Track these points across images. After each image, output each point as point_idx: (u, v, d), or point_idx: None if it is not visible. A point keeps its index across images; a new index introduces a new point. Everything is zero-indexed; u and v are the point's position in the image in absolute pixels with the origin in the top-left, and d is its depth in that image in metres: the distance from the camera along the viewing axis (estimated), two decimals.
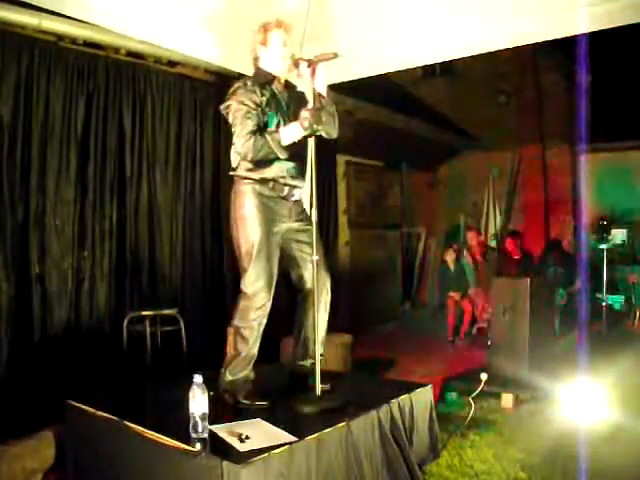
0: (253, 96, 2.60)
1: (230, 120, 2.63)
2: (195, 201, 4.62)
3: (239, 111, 2.57)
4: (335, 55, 2.52)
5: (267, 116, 2.63)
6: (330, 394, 2.65)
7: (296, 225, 2.79)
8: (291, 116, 2.67)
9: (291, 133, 2.55)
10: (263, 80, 2.70)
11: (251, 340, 2.65)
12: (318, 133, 2.58)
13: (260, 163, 2.63)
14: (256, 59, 2.79)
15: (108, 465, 2.40)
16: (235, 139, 2.59)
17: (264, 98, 2.63)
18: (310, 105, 2.58)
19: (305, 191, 2.92)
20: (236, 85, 2.66)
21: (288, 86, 2.82)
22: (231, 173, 2.73)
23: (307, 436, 2.15)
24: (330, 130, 2.77)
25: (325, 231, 5.87)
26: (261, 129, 2.58)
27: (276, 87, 2.73)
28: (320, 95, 2.62)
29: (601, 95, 6.68)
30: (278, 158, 2.62)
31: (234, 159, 2.69)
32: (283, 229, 2.76)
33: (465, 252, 6.78)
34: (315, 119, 2.49)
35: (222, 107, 2.67)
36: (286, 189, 2.72)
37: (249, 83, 2.65)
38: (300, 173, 2.76)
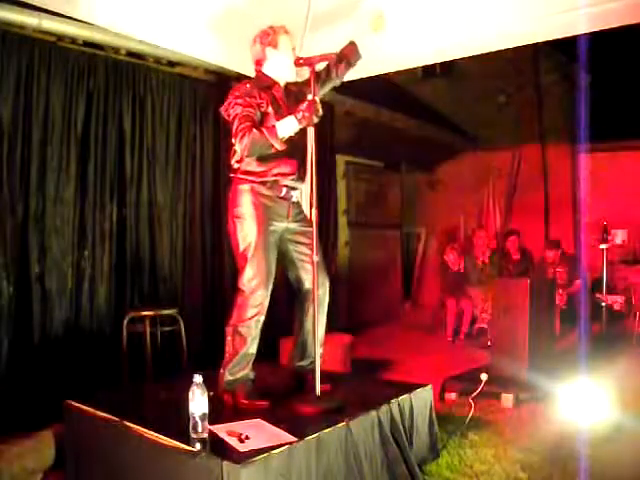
0: (252, 98, 2.61)
1: (229, 120, 2.63)
2: (195, 201, 4.62)
3: (237, 110, 2.58)
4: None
5: (267, 118, 2.64)
6: (330, 394, 2.65)
7: (294, 226, 2.80)
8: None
9: (287, 126, 2.55)
10: (263, 84, 2.71)
11: (249, 339, 2.65)
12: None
13: (262, 163, 2.63)
14: (259, 62, 2.79)
15: (108, 465, 2.40)
16: (233, 138, 2.60)
17: (264, 101, 2.64)
18: (308, 99, 2.58)
19: (305, 191, 2.93)
20: (235, 87, 2.67)
21: (289, 91, 2.82)
22: (231, 175, 2.74)
23: (307, 436, 2.15)
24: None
25: (325, 231, 5.86)
26: (259, 127, 2.58)
27: (277, 91, 2.73)
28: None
29: (601, 95, 6.68)
30: (278, 160, 2.62)
31: (234, 159, 2.70)
32: (281, 228, 2.76)
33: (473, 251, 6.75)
34: (311, 112, 2.49)
35: (222, 109, 2.68)
36: (284, 190, 2.72)
37: (248, 86, 2.66)
38: (300, 175, 2.77)
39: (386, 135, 7.03)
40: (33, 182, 3.64)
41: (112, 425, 2.37)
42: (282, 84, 2.78)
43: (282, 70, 2.76)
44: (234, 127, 2.58)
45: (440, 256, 7.49)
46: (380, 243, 8.06)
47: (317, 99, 2.54)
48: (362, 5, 3.38)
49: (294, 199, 2.80)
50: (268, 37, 2.74)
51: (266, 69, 2.78)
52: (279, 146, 2.55)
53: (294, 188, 2.77)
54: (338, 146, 6.17)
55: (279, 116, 2.64)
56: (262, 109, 2.63)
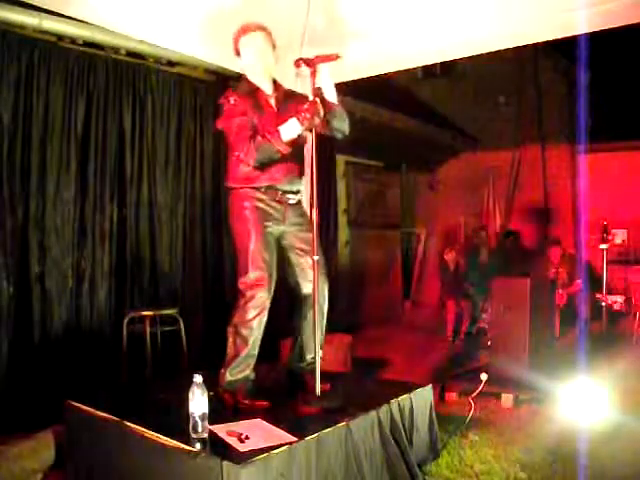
0: (239, 107, 2.61)
1: (227, 135, 2.64)
2: (195, 201, 4.62)
3: (232, 122, 2.60)
4: (337, 56, 2.53)
5: (257, 122, 2.64)
6: (330, 394, 2.65)
7: (293, 230, 2.79)
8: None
9: (290, 129, 2.55)
10: (245, 90, 2.70)
11: (251, 340, 2.65)
12: (321, 130, 2.58)
13: (254, 170, 2.63)
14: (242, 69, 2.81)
15: (108, 465, 2.40)
16: (235, 150, 2.61)
17: (249, 106, 2.63)
18: (309, 100, 2.57)
19: (305, 191, 2.92)
20: (221, 98, 2.67)
21: (277, 88, 2.80)
22: (227, 185, 2.74)
23: (307, 436, 2.15)
24: (341, 126, 2.78)
25: (325, 231, 5.86)
26: (255, 134, 2.58)
27: (260, 94, 2.72)
28: (321, 93, 2.62)
29: (601, 95, 6.69)
30: (271, 166, 2.62)
31: (228, 171, 2.71)
32: (277, 231, 2.77)
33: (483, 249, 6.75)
34: (312, 113, 2.50)
35: (218, 123, 2.69)
36: (279, 193, 2.72)
37: (233, 96, 2.64)
38: (296, 178, 2.77)
39: (386, 135, 7.02)
40: (33, 182, 3.64)
41: (112, 425, 2.37)
42: (266, 86, 2.75)
43: (255, 70, 2.73)
44: (233, 138, 2.59)
45: (440, 256, 7.49)
46: (380, 243, 8.06)
47: (318, 100, 2.54)
48: (362, 7, 3.38)
49: (292, 201, 2.80)
50: (233, 48, 2.75)
51: (247, 75, 2.77)
52: (285, 150, 2.56)
53: (289, 191, 2.77)
54: (338, 146, 6.17)
55: (263, 120, 2.62)
56: (249, 115, 2.62)
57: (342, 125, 2.78)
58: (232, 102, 2.63)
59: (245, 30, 2.71)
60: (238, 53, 2.76)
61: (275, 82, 2.81)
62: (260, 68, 2.72)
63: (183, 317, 3.96)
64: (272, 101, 2.74)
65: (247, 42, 2.72)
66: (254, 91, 2.71)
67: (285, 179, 2.71)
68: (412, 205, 8.91)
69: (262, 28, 2.72)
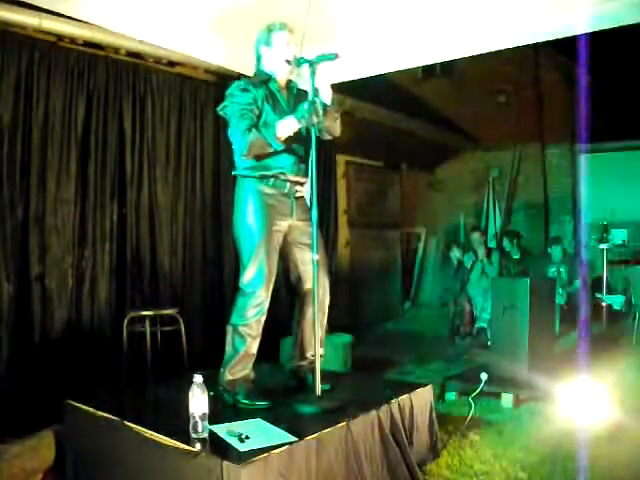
0: (247, 95, 2.63)
1: (227, 119, 2.66)
2: (195, 201, 4.62)
3: (233, 110, 2.61)
4: (337, 56, 2.53)
5: (264, 113, 2.64)
6: (330, 394, 2.65)
7: (298, 224, 2.79)
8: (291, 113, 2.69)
9: (287, 126, 2.56)
10: (259, 79, 2.72)
11: (249, 338, 2.65)
12: (317, 126, 2.58)
13: (261, 159, 2.64)
14: (258, 59, 2.82)
15: (108, 465, 2.40)
16: (232, 138, 2.62)
17: (260, 96, 2.65)
18: (308, 99, 2.58)
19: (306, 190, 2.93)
20: (231, 87, 2.68)
21: (289, 86, 2.84)
22: (233, 173, 2.75)
23: (307, 436, 2.15)
24: (332, 129, 2.79)
25: (325, 231, 5.86)
26: (257, 125, 2.59)
27: (274, 86, 2.74)
28: (319, 93, 2.63)
29: (601, 95, 6.69)
30: (278, 153, 2.63)
31: (235, 157, 2.72)
32: (284, 228, 2.76)
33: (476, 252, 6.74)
34: (311, 112, 2.50)
35: (219, 109, 2.70)
36: (288, 185, 2.73)
37: (243, 83, 2.68)
38: (302, 168, 2.77)
39: (386, 135, 7.02)
40: (33, 182, 3.63)
41: (112, 425, 2.38)
42: (279, 79, 2.77)
43: (277, 67, 2.76)
44: (232, 126, 2.60)
45: (440, 256, 7.48)
46: (380, 243, 8.05)
47: (317, 99, 2.55)
48: (362, 7, 3.38)
49: (298, 194, 2.80)
50: (263, 36, 2.77)
51: (263, 66, 2.79)
52: (278, 147, 2.57)
53: (297, 182, 2.77)
54: (338, 146, 6.16)
55: (276, 110, 2.66)
56: (258, 104, 2.64)
57: (332, 126, 2.79)
58: (242, 87, 2.63)
59: (284, 27, 2.74)
60: (268, 43, 2.75)
61: (288, 80, 2.85)
62: (286, 66, 2.74)
63: (183, 317, 3.96)
64: (284, 93, 2.77)
65: (281, 39, 2.73)
66: (266, 81, 2.73)
67: (293, 168, 2.72)
68: (412, 205, 8.89)
69: (292, 31, 2.78)
